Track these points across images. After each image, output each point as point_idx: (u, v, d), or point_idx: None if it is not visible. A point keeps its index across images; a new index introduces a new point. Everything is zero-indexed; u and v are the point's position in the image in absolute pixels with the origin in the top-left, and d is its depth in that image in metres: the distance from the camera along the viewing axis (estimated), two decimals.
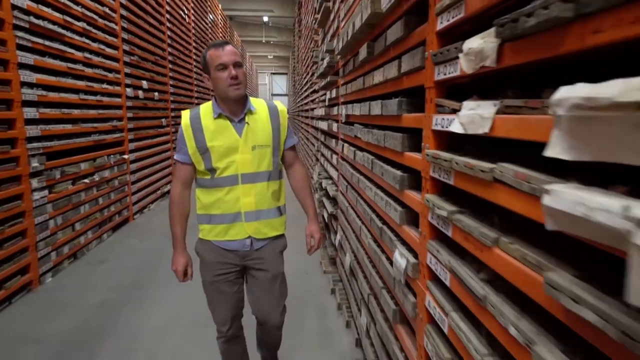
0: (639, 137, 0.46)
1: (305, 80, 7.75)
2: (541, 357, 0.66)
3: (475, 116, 0.91)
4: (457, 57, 0.98)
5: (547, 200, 0.61)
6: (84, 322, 2.72)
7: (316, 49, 5.05)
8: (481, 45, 0.86)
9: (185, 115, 1.67)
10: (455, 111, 1.03)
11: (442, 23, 1.11)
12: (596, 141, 0.53)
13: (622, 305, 0.52)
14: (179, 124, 7.99)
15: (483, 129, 0.87)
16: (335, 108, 3.39)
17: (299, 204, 1.91)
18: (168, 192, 7.05)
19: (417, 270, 1.36)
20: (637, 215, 0.44)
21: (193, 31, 8.67)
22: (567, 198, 0.57)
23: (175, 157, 1.70)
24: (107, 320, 2.75)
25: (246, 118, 1.66)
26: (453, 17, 1.04)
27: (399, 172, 1.51)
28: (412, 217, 1.47)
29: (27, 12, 3.07)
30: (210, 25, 10.73)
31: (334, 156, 3.52)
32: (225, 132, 1.63)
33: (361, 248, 2.30)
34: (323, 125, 4.36)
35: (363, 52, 1.98)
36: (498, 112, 0.84)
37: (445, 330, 1.12)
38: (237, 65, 1.59)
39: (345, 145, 2.81)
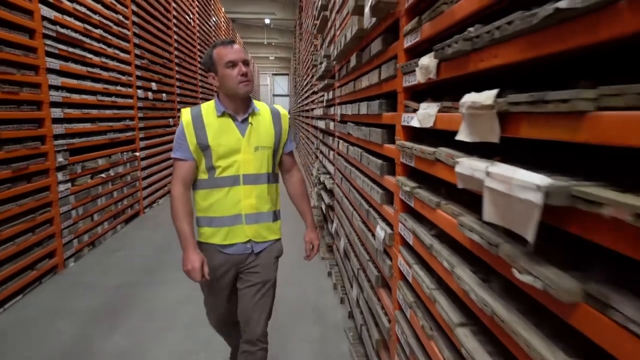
0: (491, 125, 0.79)
1: (306, 81, 8.08)
2: (457, 275, 0.99)
3: (426, 114, 1.24)
4: (415, 70, 1.30)
5: (457, 168, 0.93)
6: (107, 299, 3.06)
7: (315, 53, 5.37)
8: (428, 62, 1.19)
9: (186, 112, 1.65)
10: (415, 110, 1.35)
11: (407, 42, 1.44)
12: (477, 128, 0.86)
13: (493, 229, 0.85)
14: None
15: (430, 123, 1.20)
16: (332, 108, 3.72)
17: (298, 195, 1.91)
18: None
19: (392, 239, 1.68)
20: (489, 171, 0.77)
21: (198, 34, 9.01)
22: (465, 165, 0.89)
23: (173, 155, 1.65)
24: (127, 298, 3.08)
25: (250, 118, 1.66)
26: (414, 39, 1.36)
27: (379, 161, 1.84)
28: (390, 198, 1.80)
29: (54, 22, 3.41)
30: (214, 27, 11.07)
31: (331, 152, 3.85)
32: (228, 131, 1.62)
33: (353, 231, 2.63)
34: (321, 124, 4.69)
35: (353, 60, 2.31)
36: (439, 111, 1.16)
37: (410, 279, 1.45)
38: (246, 63, 1.61)
39: (340, 141, 3.14)
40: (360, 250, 2.35)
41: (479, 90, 0.87)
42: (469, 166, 0.87)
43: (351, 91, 2.57)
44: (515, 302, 0.83)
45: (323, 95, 4.58)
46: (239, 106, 1.65)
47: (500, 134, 0.79)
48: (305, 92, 8.42)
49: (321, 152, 4.94)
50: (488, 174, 0.76)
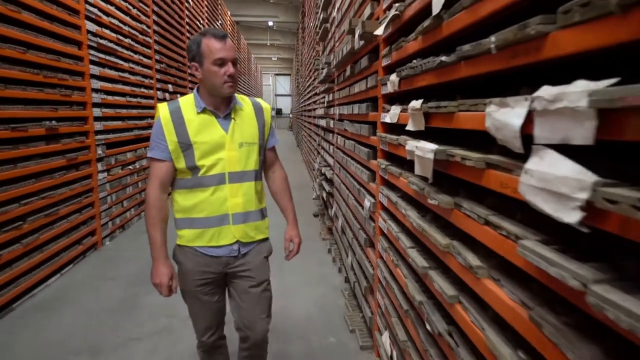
0: (421, 120, 1.37)
1: (308, 83, 8.65)
2: (409, 215, 1.56)
3: (394, 114, 1.82)
4: (387, 83, 1.88)
5: (406, 147, 1.51)
6: (142, 268, 3.65)
7: (318, 58, 5.95)
8: (394, 78, 1.76)
9: (164, 108, 1.53)
10: (388, 111, 1.93)
11: (384, 62, 2.01)
12: (415, 122, 1.44)
13: (424, 182, 1.42)
14: None
15: (395, 120, 1.78)
16: (332, 108, 4.30)
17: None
18: None
19: (375, 206, 2.26)
20: (416, 145, 1.35)
21: None
22: (410, 145, 1.47)
23: (149, 154, 1.52)
24: None
25: (232, 114, 1.58)
26: (387, 61, 1.94)
27: (367, 149, 2.42)
28: (374, 176, 2.38)
29: (95, 34, 4.00)
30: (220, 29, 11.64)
31: (331, 147, 4.43)
32: (210, 128, 1.54)
33: (348, 209, 3.21)
34: (323, 122, 5.28)
35: (348, 70, 2.89)
36: (401, 112, 1.74)
37: (385, 231, 2.03)
38: (235, 62, 1.53)
39: (339, 137, 3.72)
40: (353, 222, 2.93)
41: (437, 96, 1.45)
42: (411, 145, 1.45)
43: (347, 95, 3.15)
44: (436, 223, 1.41)
45: (324, 97, 5.16)
46: (220, 103, 1.57)
47: (424, 125, 1.37)
48: (308, 92, 8.99)
49: (322, 147, 5.52)
50: (416, 147, 1.35)
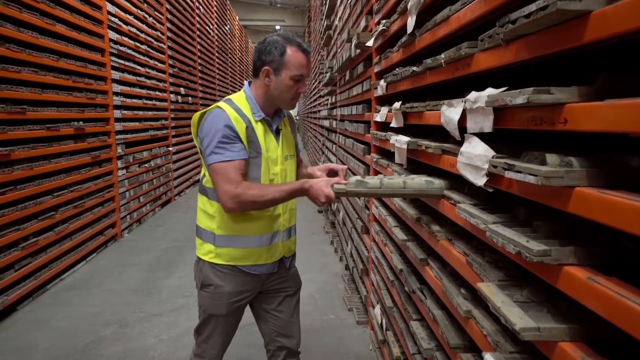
0: (400, 118, 1.67)
1: (314, 86, 8.96)
2: (395, 200, 1.85)
3: (383, 114, 2.11)
4: (377, 87, 2.17)
5: (390, 141, 1.81)
6: (160, 256, 3.97)
7: (322, 62, 6.25)
8: (382, 84, 2.06)
9: (225, 106, 1.36)
10: (379, 111, 2.23)
11: (376, 69, 2.31)
12: (397, 120, 1.73)
13: (404, 171, 1.71)
14: None
15: (384, 119, 2.07)
16: (335, 110, 4.60)
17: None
18: (198, 181, 8.30)
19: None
20: (395, 139, 1.64)
21: (216, 42, 9.96)
22: (394, 139, 1.76)
23: (222, 157, 1.30)
24: (175, 255, 3.99)
25: (280, 125, 1.51)
26: (379, 68, 2.24)
27: (362, 146, 2.72)
28: (369, 170, 2.67)
29: (116, 42, 4.35)
30: (229, 34, 12.02)
31: (334, 146, 4.73)
32: (269, 139, 1.43)
33: (349, 203, 3.50)
34: (326, 123, 5.58)
35: (347, 75, 3.19)
36: (388, 112, 2.03)
37: (377, 217, 2.32)
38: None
39: (340, 136, 4.02)
40: (352, 213, 3.22)
41: (417, 98, 1.74)
42: (393, 139, 1.74)
43: (347, 97, 3.45)
44: (413, 204, 1.70)
45: (328, 99, 5.47)
46: (273, 112, 1.49)
47: (403, 123, 1.66)
48: (313, 95, 9.29)
49: (326, 147, 5.82)
50: (396, 140, 1.64)
